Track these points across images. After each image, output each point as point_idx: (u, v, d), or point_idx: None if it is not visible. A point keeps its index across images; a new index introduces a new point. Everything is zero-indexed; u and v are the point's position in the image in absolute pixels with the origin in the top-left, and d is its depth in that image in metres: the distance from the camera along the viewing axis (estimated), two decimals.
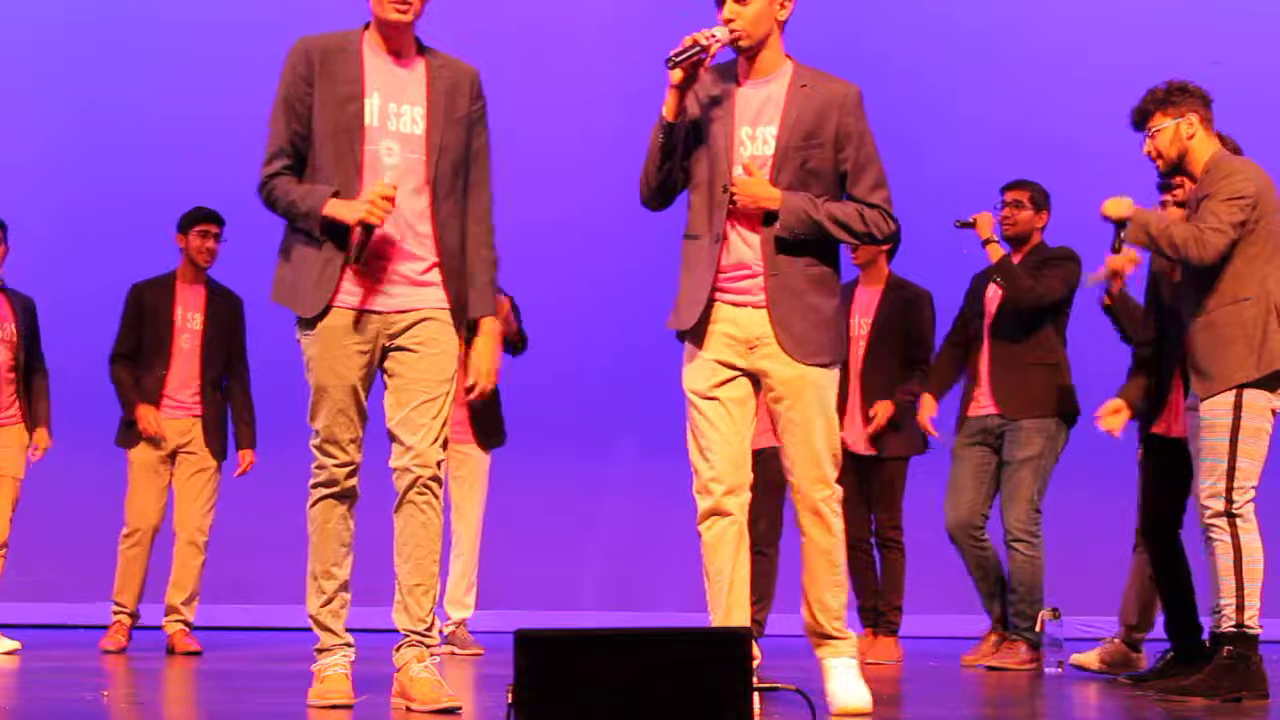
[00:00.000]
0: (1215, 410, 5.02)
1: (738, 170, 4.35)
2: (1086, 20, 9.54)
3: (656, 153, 4.37)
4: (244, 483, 7.23)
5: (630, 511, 9.28)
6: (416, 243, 4.35)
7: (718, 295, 4.38)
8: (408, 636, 4.36)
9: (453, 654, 6.92)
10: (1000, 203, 6.87)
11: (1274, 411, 5.05)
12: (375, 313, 4.32)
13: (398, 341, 4.35)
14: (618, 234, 9.11)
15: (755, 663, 4.31)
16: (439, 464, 4.37)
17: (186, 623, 7.03)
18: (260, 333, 7.30)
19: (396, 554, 4.39)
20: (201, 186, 7.71)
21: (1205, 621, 5.44)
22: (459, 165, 4.40)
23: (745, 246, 4.38)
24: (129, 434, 7.06)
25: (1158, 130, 5.18)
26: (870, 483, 7.01)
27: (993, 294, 6.80)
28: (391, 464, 4.38)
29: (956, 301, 7.07)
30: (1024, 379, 6.68)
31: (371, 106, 4.32)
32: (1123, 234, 5.18)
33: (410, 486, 4.34)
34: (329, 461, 4.35)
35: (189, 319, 7.10)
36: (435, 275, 4.37)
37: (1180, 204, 5.57)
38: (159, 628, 7.10)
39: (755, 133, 4.39)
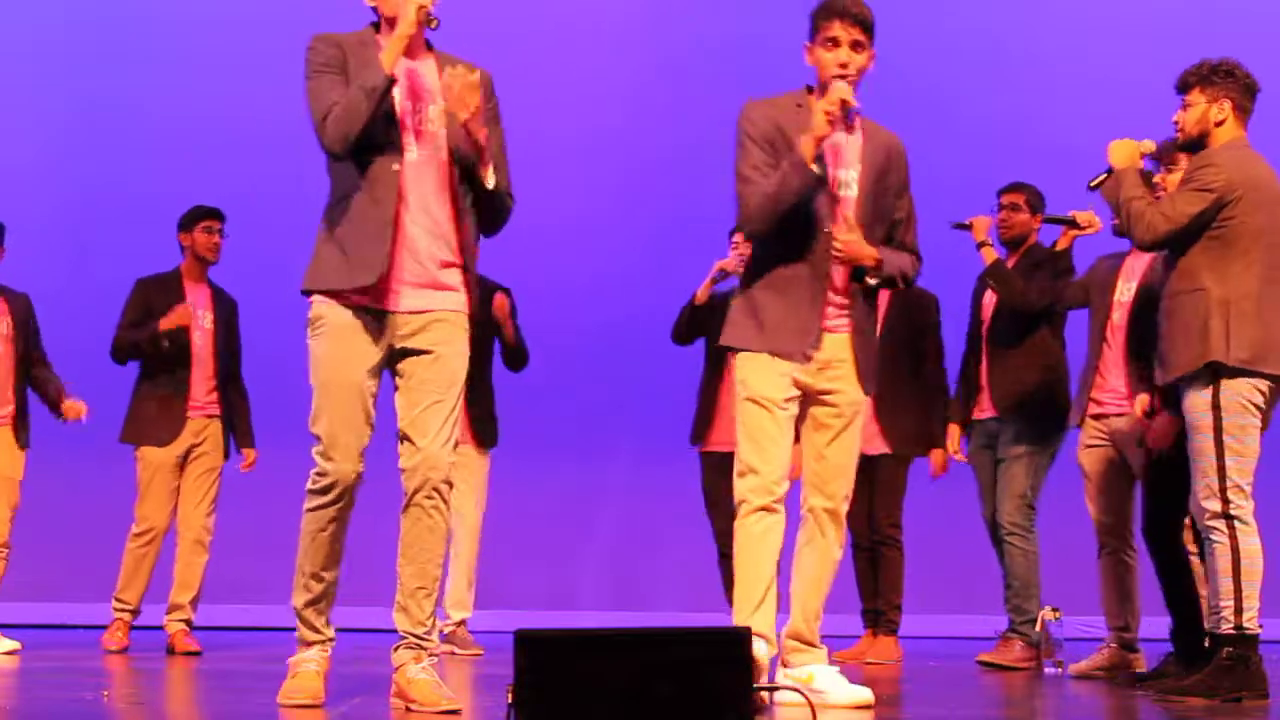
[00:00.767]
0: (1195, 411, 5.02)
1: (841, 228, 4.56)
2: (1086, 21, 9.54)
3: (795, 198, 4.48)
4: (245, 483, 7.23)
5: (630, 512, 9.28)
6: (436, 242, 4.28)
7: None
8: (406, 638, 4.34)
9: (453, 654, 6.92)
10: (997, 205, 6.88)
11: (1257, 406, 5.03)
12: (389, 312, 4.26)
13: (409, 344, 4.28)
14: (617, 235, 9.13)
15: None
16: (449, 467, 4.31)
17: (188, 622, 7.04)
18: (262, 333, 7.30)
19: (400, 555, 4.35)
20: (201, 186, 7.72)
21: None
22: (475, 164, 4.33)
23: (836, 280, 4.62)
24: (145, 429, 7.03)
25: (1190, 104, 5.19)
26: (871, 481, 7.01)
27: (989, 299, 6.82)
28: (401, 465, 4.32)
29: (955, 302, 7.08)
30: (1019, 381, 6.70)
31: (397, 101, 4.24)
32: (1103, 179, 5.30)
33: (419, 489, 4.28)
34: (330, 468, 4.25)
35: (201, 318, 7.09)
36: (455, 277, 4.32)
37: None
38: (159, 627, 7.10)
39: (844, 176, 4.60)
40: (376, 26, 4.38)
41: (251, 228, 7.55)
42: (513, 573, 8.42)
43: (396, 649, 4.37)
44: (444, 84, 4.21)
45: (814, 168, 4.46)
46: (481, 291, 7.23)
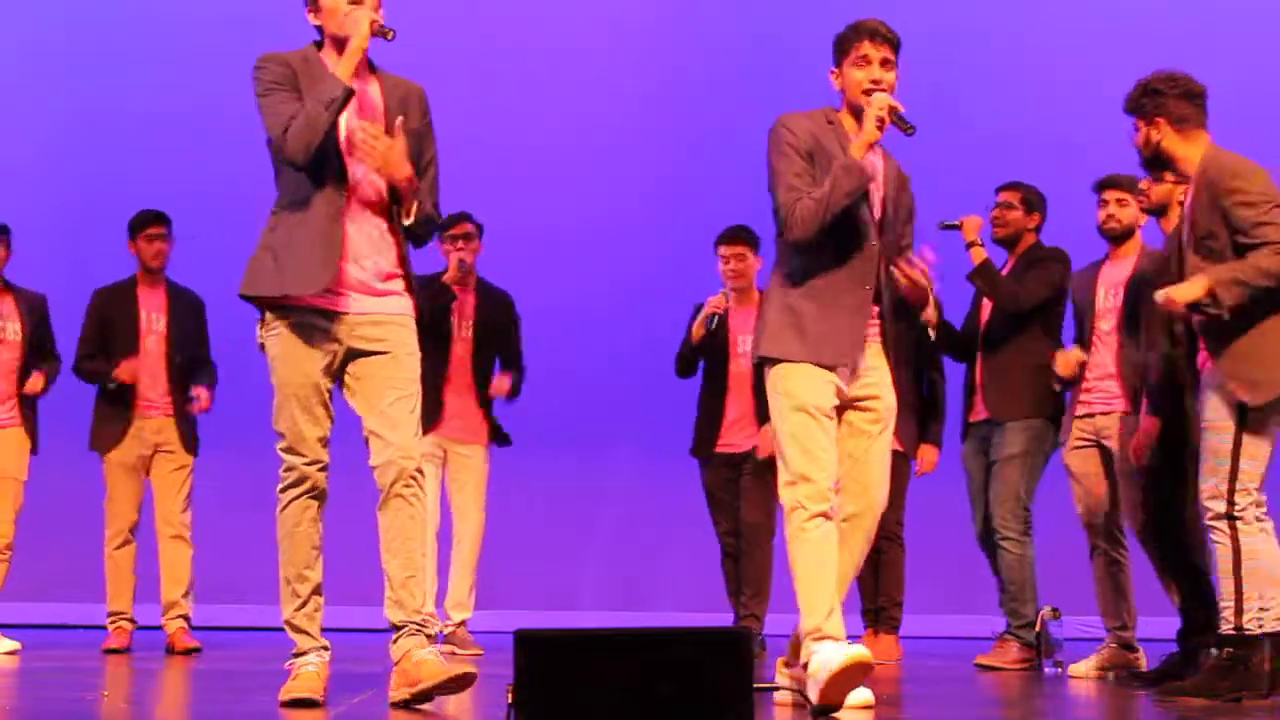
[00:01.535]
0: (1219, 411, 4.97)
1: (917, 262, 4.72)
2: (1086, 21, 9.54)
3: (847, 200, 4.51)
4: (239, 482, 7.24)
5: (630, 512, 9.28)
6: (380, 252, 4.42)
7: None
8: (406, 626, 4.36)
9: (453, 654, 6.91)
10: (994, 203, 6.87)
11: None
12: (340, 314, 4.37)
13: (362, 345, 4.39)
14: (617, 236, 9.13)
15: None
16: (420, 457, 4.41)
17: (186, 618, 7.06)
18: (243, 330, 7.30)
19: (385, 549, 4.39)
20: (202, 186, 7.73)
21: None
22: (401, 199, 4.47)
23: (874, 289, 4.67)
24: (102, 434, 7.13)
25: (1137, 129, 5.16)
26: None
27: (989, 301, 6.81)
28: (372, 462, 4.39)
29: (955, 303, 7.08)
30: (1013, 381, 6.69)
31: (341, 122, 4.36)
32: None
33: (396, 480, 4.35)
34: (298, 461, 4.38)
35: (154, 321, 7.18)
36: (398, 284, 4.46)
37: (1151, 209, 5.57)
38: (158, 628, 7.10)
39: (872, 191, 4.65)
40: (319, 45, 4.48)
41: (251, 228, 7.52)
42: (513, 573, 8.42)
43: (396, 640, 4.38)
44: (360, 144, 4.31)
45: (864, 168, 4.52)
46: (490, 295, 7.30)
